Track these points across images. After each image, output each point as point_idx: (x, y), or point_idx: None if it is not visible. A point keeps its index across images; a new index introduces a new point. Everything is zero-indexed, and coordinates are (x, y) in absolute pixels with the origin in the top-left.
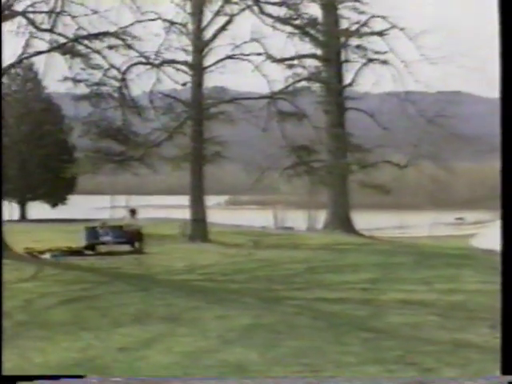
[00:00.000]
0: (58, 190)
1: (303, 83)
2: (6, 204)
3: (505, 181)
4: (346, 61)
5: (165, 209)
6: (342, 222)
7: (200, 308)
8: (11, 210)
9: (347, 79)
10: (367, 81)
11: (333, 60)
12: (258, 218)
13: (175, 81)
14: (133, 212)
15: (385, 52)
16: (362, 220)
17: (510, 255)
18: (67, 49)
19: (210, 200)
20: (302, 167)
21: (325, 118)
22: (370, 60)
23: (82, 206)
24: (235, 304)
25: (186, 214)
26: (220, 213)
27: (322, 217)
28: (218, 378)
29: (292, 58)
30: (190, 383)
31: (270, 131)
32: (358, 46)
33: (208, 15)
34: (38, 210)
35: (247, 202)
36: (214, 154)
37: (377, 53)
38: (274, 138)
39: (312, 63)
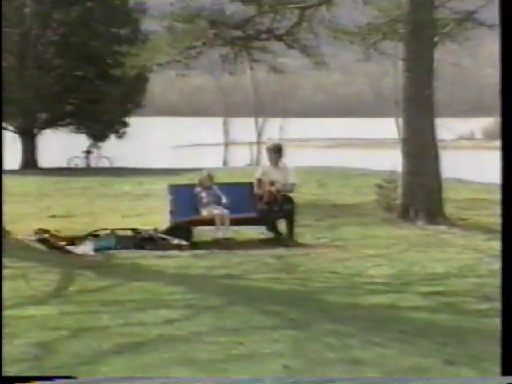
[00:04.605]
0: (105, 107)
1: None
2: None
3: (505, 180)
4: None
5: (341, 147)
6: None
7: (426, 371)
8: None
9: None
10: None
11: None
12: None
13: None
14: (275, 152)
15: None
16: None
17: (509, 255)
18: None
19: (449, 128)
20: None
21: None
22: None
23: (160, 141)
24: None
25: (387, 161)
26: (471, 157)
27: None
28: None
29: None
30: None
31: None
32: None
33: None
34: (65, 147)
35: None
36: (463, 18)
37: None
38: None
39: None
